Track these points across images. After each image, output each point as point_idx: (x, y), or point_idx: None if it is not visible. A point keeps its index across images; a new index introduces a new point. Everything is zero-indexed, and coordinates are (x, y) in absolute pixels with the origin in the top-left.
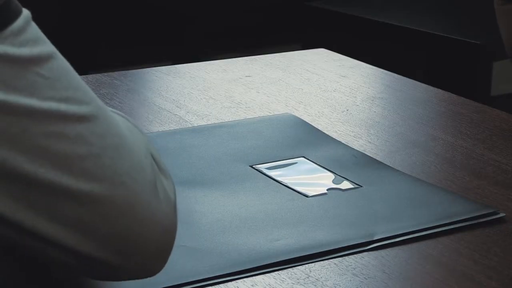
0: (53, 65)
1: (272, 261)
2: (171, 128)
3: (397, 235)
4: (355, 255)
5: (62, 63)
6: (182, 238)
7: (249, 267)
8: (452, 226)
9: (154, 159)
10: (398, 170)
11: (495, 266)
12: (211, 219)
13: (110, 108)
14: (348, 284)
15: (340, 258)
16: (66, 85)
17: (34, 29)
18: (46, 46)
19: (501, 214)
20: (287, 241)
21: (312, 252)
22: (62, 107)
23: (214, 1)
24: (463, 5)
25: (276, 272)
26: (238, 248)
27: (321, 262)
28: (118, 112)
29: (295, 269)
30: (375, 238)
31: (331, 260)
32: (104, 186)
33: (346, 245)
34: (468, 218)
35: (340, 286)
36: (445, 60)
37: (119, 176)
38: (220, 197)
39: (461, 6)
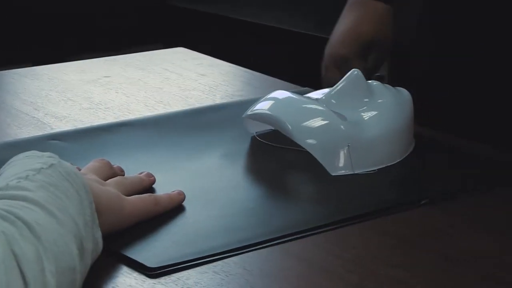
0: None
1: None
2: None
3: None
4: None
5: None
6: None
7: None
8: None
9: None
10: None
11: (354, 259)
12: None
13: None
14: (210, 282)
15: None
16: None
17: None
18: None
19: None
20: None
21: None
22: None
23: (75, 1)
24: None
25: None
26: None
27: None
28: None
29: None
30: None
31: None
32: None
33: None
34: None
35: (201, 284)
36: (307, 57)
37: None
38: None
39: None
